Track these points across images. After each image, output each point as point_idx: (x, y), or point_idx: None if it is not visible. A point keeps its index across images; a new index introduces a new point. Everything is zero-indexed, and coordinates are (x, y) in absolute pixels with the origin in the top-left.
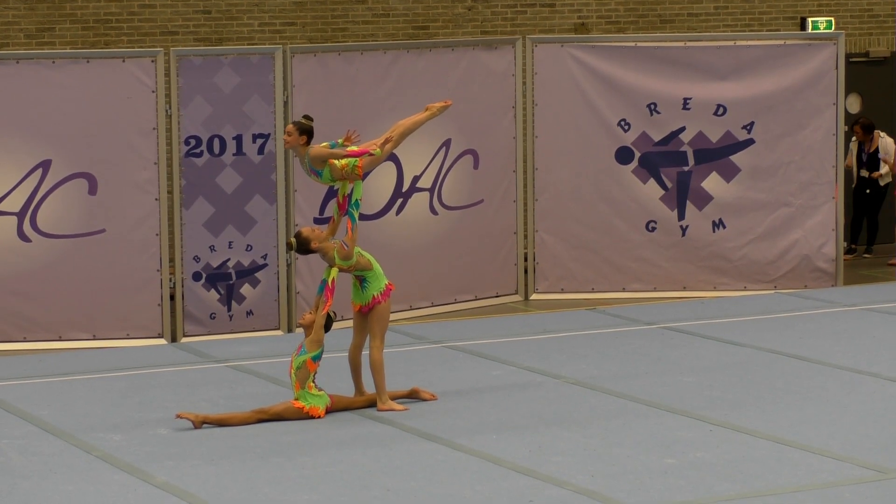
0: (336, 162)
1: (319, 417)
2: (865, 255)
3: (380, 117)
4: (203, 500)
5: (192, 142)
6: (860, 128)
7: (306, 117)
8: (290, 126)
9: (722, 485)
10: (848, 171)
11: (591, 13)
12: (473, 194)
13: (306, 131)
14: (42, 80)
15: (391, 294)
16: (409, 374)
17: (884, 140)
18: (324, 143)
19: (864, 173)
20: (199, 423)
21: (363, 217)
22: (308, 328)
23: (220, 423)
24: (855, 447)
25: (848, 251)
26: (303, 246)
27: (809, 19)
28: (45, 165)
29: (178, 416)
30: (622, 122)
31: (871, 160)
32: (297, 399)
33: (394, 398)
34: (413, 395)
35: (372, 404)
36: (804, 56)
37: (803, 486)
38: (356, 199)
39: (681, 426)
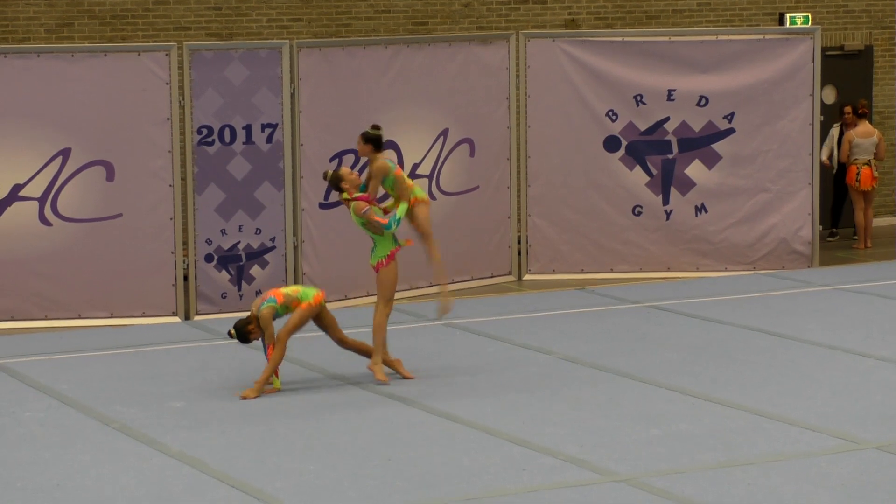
0: (406, 179)
1: (322, 303)
2: (854, 237)
3: (381, 108)
4: (215, 469)
5: (204, 131)
6: (851, 111)
7: (374, 127)
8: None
9: (704, 454)
10: (827, 166)
11: (581, 9)
12: (470, 181)
13: (371, 139)
14: (62, 72)
15: (395, 257)
16: (409, 351)
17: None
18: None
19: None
20: (258, 394)
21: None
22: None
23: (270, 374)
24: (830, 419)
25: (830, 235)
26: (335, 181)
27: (787, 15)
28: (64, 153)
29: (243, 397)
30: (610, 113)
31: None
32: (298, 300)
33: (385, 362)
34: (394, 367)
35: (363, 353)
36: (782, 50)
37: (781, 456)
38: (399, 217)
39: (665, 399)
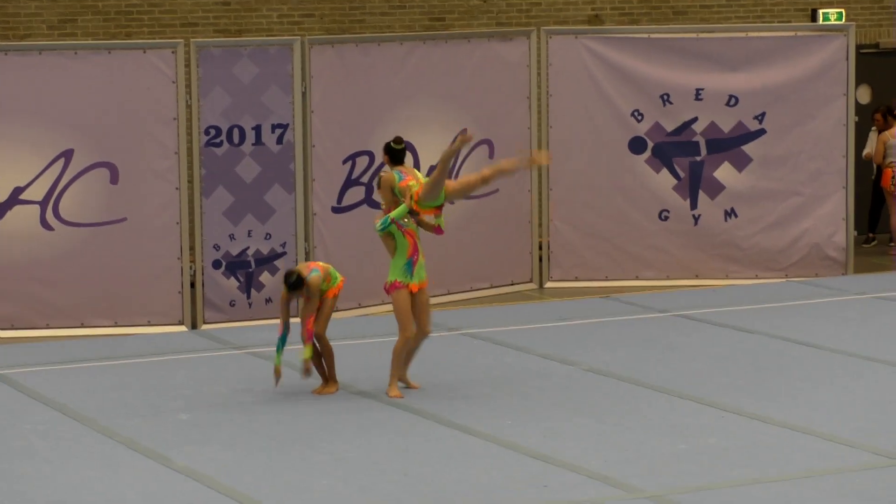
0: (411, 188)
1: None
2: (891, 243)
3: (396, 108)
4: (223, 484)
5: (212, 132)
6: (881, 115)
7: (396, 140)
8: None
9: (733, 470)
10: (868, 160)
11: (605, 5)
12: (489, 184)
13: (388, 152)
14: (64, 70)
15: (395, 291)
16: (427, 361)
17: None
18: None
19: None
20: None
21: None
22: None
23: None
24: (865, 433)
25: (867, 241)
26: (380, 182)
27: (820, 11)
28: (67, 155)
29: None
30: (635, 113)
31: None
32: (331, 278)
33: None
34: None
35: (320, 365)
36: (815, 47)
37: (814, 472)
38: (391, 217)
39: (693, 412)
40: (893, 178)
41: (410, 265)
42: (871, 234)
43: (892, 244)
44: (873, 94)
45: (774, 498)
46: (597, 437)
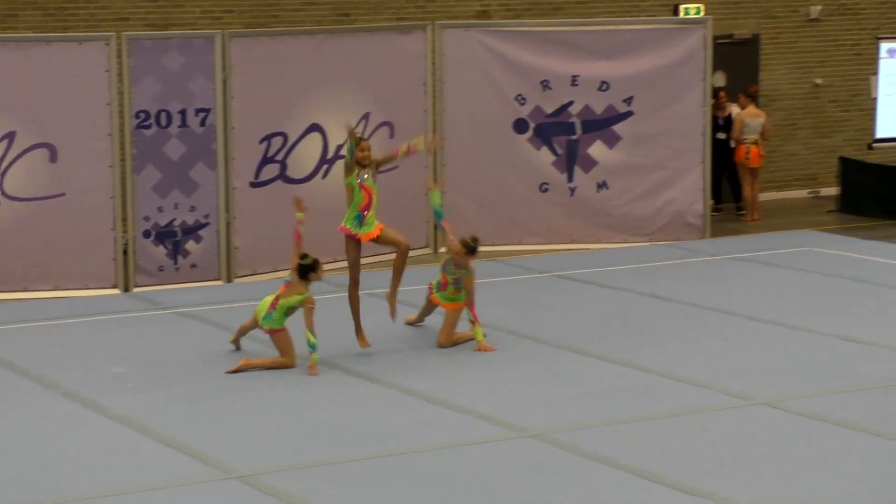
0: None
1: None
2: (739, 212)
3: (307, 93)
4: (153, 429)
5: (142, 115)
6: (726, 94)
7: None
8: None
9: (605, 411)
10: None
11: (492, 1)
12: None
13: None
14: (8, 60)
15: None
16: (326, 320)
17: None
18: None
19: (722, 136)
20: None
21: (294, 181)
22: None
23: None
24: (719, 377)
25: (714, 210)
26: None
27: (682, 6)
28: (10, 136)
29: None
30: (519, 97)
31: (727, 125)
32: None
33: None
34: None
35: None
36: (677, 38)
37: (676, 412)
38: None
39: (569, 361)
40: (747, 153)
41: (360, 218)
42: (718, 206)
43: (743, 213)
44: (728, 80)
45: (644, 433)
46: (485, 383)
